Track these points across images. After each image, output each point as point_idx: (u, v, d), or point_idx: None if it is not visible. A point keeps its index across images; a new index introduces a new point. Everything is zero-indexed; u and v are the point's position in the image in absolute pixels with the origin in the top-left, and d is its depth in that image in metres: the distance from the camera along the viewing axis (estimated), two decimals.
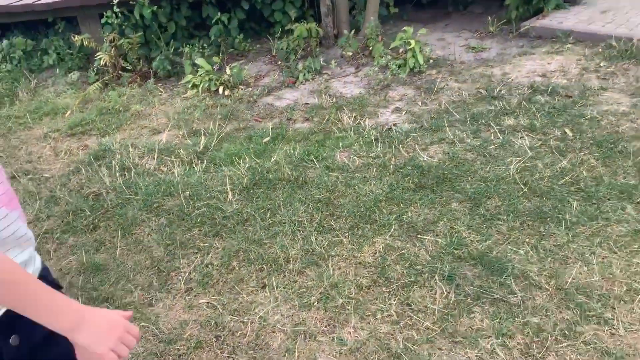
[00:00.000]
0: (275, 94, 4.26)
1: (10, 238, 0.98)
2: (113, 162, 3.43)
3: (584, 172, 2.79)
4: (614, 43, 4.12)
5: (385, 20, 5.58)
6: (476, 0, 5.84)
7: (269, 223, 2.70)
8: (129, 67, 4.88)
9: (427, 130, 3.42)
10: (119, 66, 4.86)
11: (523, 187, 2.72)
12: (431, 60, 4.43)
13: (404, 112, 3.73)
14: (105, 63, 4.81)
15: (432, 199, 2.73)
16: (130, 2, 4.83)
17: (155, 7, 4.91)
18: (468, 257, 2.32)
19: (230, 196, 2.95)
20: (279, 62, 4.84)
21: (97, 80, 4.84)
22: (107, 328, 0.97)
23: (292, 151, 3.34)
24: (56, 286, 1.08)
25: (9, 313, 0.95)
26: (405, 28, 4.36)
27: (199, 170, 3.25)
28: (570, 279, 2.15)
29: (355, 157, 3.20)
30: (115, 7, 4.78)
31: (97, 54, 4.85)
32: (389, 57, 4.37)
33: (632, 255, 2.23)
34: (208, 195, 2.99)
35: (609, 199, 2.58)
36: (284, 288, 2.27)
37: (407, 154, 3.18)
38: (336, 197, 2.84)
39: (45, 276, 1.08)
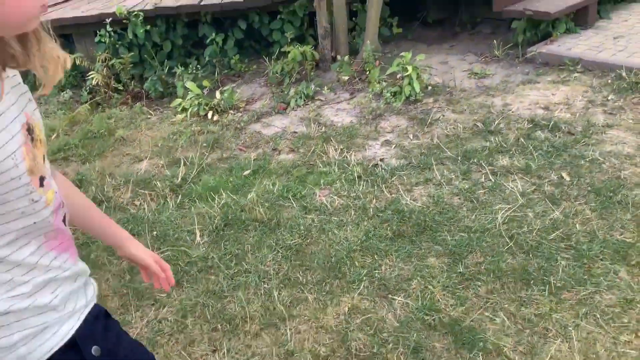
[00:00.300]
0: (264, 121, 4.10)
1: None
2: (86, 194, 3.31)
3: (577, 225, 2.56)
4: (624, 74, 3.86)
5: (389, 40, 5.39)
6: (485, 20, 5.60)
7: (233, 272, 2.54)
8: (121, 88, 4.78)
9: (414, 168, 3.22)
10: (111, 86, 4.76)
11: (509, 241, 2.51)
12: (430, 88, 4.23)
13: (394, 145, 3.53)
14: (98, 83, 4.72)
15: (409, 250, 2.53)
16: (124, 21, 4.73)
17: (149, 26, 4.80)
18: (439, 324, 2.12)
19: (198, 238, 2.80)
20: (274, 85, 4.68)
21: (89, 100, 4.76)
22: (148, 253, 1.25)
23: (271, 187, 3.18)
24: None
25: (86, 325, 1.00)
26: (403, 54, 4.17)
27: (172, 206, 3.11)
28: (548, 358, 1.93)
29: (335, 197, 3.02)
30: (108, 26, 4.69)
31: (90, 73, 4.76)
32: (385, 83, 4.18)
33: (620, 331, 2.01)
34: (176, 236, 2.84)
35: (601, 259, 2.35)
36: (236, 354, 2.10)
37: (390, 195, 2.99)
38: (308, 244, 2.66)
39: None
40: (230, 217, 2.92)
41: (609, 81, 3.90)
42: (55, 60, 0.87)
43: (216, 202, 3.07)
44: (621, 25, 4.72)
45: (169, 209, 3.09)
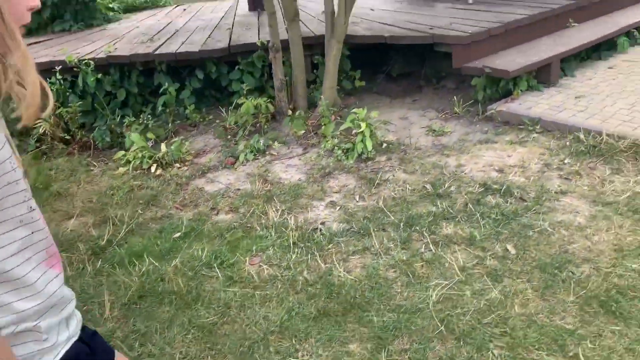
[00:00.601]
0: (209, 176, 3.91)
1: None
2: None
3: (515, 307, 2.35)
4: (582, 136, 3.72)
5: (352, 93, 5.28)
6: (450, 74, 5.52)
7: (136, 354, 2.29)
8: (69, 137, 4.60)
9: (354, 235, 3.01)
10: (57, 135, 4.58)
11: (440, 324, 2.28)
12: (384, 145, 4.07)
13: (338, 207, 3.33)
14: (45, 131, 4.54)
15: (331, 334, 2.30)
16: (74, 70, 4.60)
17: (101, 75, 4.66)
18: None
19: (107, 312, 2.55)
20: (229, 137, 4.52)
21: (35, 149, 4.57)
22: None
23: (199, 253, 2.95)
24: None
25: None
26: (355, 110, 4.02)
27: (90, 273, 2.87)
28: None
29: (265, 267, 2.80)
30: (57, 74, 4.55)
31: (38, 121, 4.58)
32: (337, 140, 4.02)
33: None
34: (85, 308, 2.60)
35: (537, 349, 2.12)
36: None
37: (324, 264, 2.77)
38: (224, 323, 2.42)
39: None
40: (147, 288, 2.68)
41: (567, 143, 3.76)
42: (35, 83, 0.83)
43: (137, 269, 2.84)
44: (584, 84, 4.62)
45: (86, 275, 2.86)
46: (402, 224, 3.05)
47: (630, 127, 3.68)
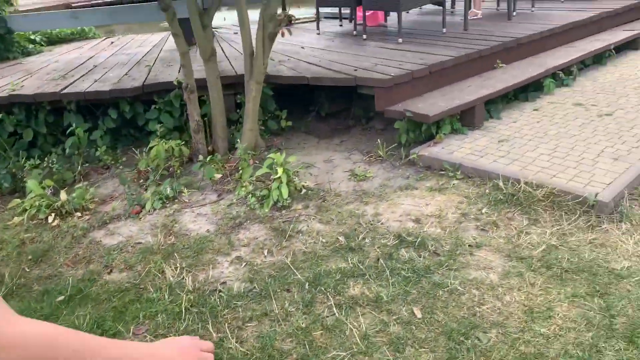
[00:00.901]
0: (110, 227, 3.61)
1: None
2: None
3: None
4: (501, 184, 3.63)
5: (279, 133, 5.10)
6: (379, 114, 5.42)
7: None
8: None
9: (255, 297, 2.77)
10: None
11: None
12: (304, 191, 3.88)
13: (244, 264, 3.10)
14: None
15: None
16: None
17: (2, 114, 4.32)
18: None
19: None
20: (141, 181, 4.24)
21: None
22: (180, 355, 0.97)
23: (81, 321, 2.65)
24: None
25: None
26: (270, 155, 3.83)
27: None
28: None
29: (150, 337, 2.52)
30: None
31: None
32: (252, 187, 3.81)
33: None
34: None
35: None
36: None
37: (216, 334, 2.52)
38: None
39: None
40: None
41: (487, 191, 3.66)
42: None
43: None
44: (509, 127, 4.59)
45: None
46: (307, 284, 2.83)
47: (548, 175, 3.62)
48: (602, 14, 7.13)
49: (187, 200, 3.90)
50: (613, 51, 6.61)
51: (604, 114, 4.76)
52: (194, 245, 3.30)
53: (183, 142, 4.29)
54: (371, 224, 3.41)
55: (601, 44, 6.44)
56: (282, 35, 4.10)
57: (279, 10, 4.06)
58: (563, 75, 5.72)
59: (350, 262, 3.00)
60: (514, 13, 7.15)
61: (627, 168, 3.64)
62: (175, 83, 4.44)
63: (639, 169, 3.62)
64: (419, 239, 3.16)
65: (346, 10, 7.93)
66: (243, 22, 4.20)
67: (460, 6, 8.10)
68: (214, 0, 4.24)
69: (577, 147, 4.05)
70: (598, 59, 6.52)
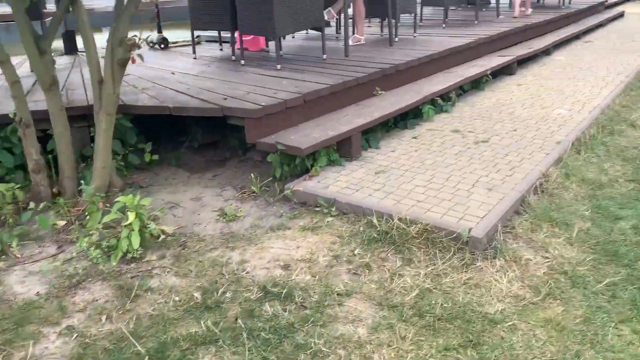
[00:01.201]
0: None
1: None
2: None
3: None
4: (375, 220, 3.40)
5: (145, 168, 4.59)
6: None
7: None
8: None
9: None
10: None
11: None
12: (161, 237, 3.42)
13: (75, 335, 2.57)
14: None
15: None
16: None
17: None
18: None
19: None
20: None
21: None
22: None
23: None
24: None
25: None
26: (119, 198, 3.34)
27: None
28: None
29: None
30: None
31: None
32: (97, 237, 3.29)
33: None
34: None
35: None
36: None
37: None
38: None
39: None
40: None
41: (361, 229, 3.41)
42: None
43: None
44: (387, 157, 4.43)
45: None
46: (148, 358, 2.38)
47: (423, 209, 3.44)
48: (479, 40, 7.34)
49: (18, 255, 3.29)
50: (490, 76, 6.78)
51: (480, 140, 4.75)
52: (17, 314, 2.72)
53: (18, 185, 3.67)
54: (235, 274, 3.02)
55: (478, 70, 6.58)
56: (133, 61, 3.64)
57: (130, 34, 3.61)
58: (442, 101, 5.72)
59: (203, 325, 2.59)
60: (396, 39, 7.16)
61: (501, 199, 3.55)
62: (12, 116, 3.82)
63: (512, 199, 3.55)
64: (286, 290, 2.82)
65: (227, 34, 7.58)
66: (89, 46, 3.70)
67: None
68: (52, 23, 3.71)
69: (452, 177, 3.94)
70: (476, 84, 6.66)
